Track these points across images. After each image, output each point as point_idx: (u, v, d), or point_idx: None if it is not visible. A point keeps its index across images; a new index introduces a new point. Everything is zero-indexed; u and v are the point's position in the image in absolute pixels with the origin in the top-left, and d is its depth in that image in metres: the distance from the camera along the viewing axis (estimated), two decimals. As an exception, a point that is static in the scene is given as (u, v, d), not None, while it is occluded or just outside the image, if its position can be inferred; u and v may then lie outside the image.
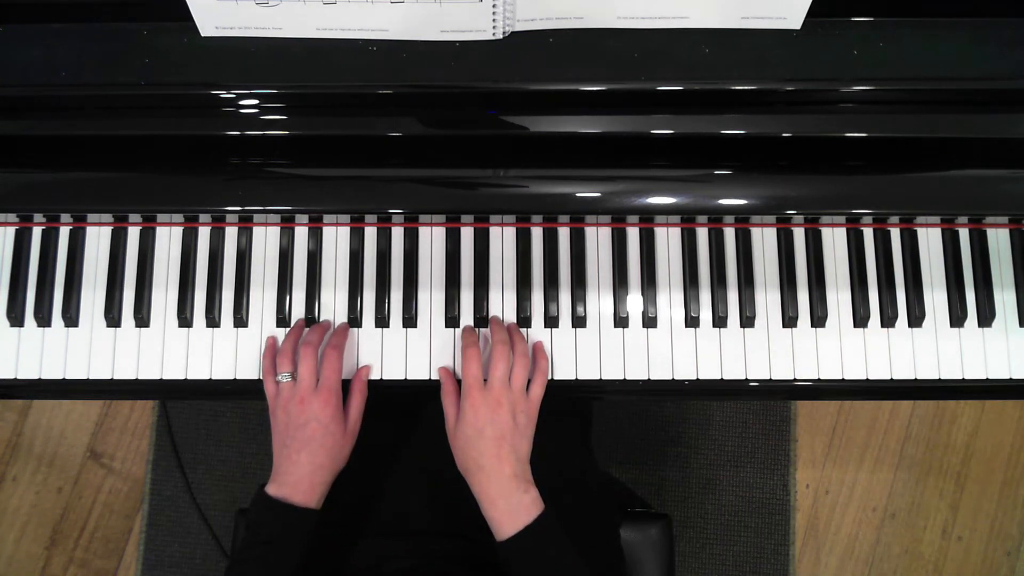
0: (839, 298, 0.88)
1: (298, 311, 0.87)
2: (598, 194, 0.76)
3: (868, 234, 0.89)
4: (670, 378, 0.87)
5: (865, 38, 0.71)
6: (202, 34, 0.70)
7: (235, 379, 0.87)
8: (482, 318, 0.87)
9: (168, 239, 0.89)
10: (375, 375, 0.87)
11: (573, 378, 0.87)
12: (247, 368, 0.87)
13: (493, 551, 0.84)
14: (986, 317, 0.88)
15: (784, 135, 0.73)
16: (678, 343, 0.87)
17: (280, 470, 0.78)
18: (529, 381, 0.82)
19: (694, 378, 0.87)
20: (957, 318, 0.88)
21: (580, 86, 0.70)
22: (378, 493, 0.93)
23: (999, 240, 0.89)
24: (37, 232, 0.89)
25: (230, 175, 0.76)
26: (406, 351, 0.87)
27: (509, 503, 0.75)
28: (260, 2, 0.67)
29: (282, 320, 0.87)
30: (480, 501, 0.77)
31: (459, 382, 0.83)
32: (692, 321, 0.87)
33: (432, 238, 0.89)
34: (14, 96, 0.73)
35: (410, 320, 0.87)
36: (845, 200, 0.77)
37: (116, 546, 1.63)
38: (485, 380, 0.79)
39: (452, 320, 0.87)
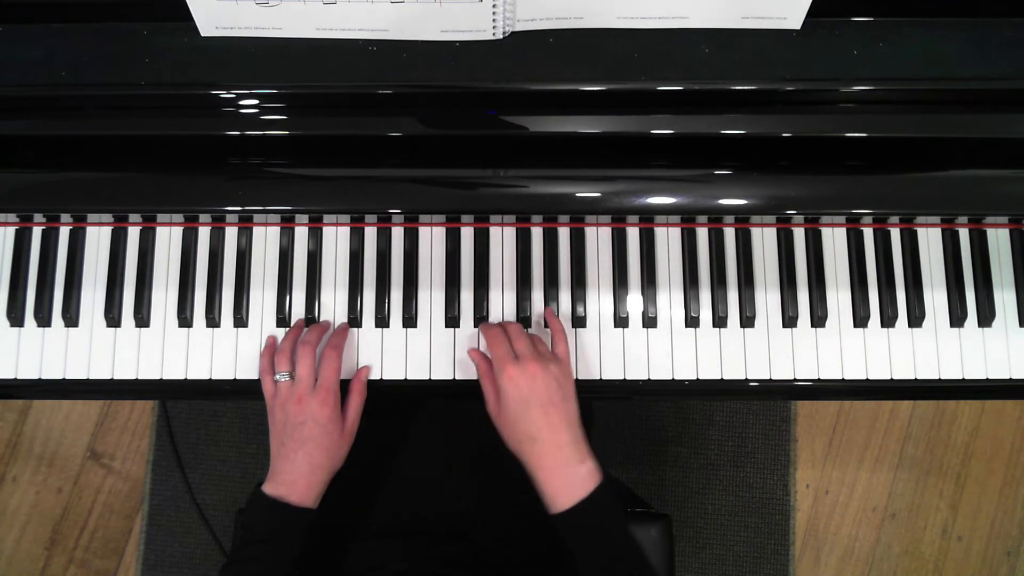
0: (839, 298, 0.88)
1: (298, 311, 0.87)
2: (598, 194, 0.76)
3: (868, 234, 0.89)
4: (670, 378, 0.87)
5: (865, 38, 0.71)
6: (202, 34, 0.70)
7: (235, 379, 0.87)
8: (482, 318, 0.87)
9: (168, 239, 0.89)
10: (375, 375, 0.86)
11: (573, 378, 0.86)
12: (247, 368, 0.87)
13: (494, 554, 0.84)
14: (986, 317, 0.88)
15: (784, 135, 0.73)
16: (678, 343, 0.87)
17: (277, 469, 0.78)
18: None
19: (694, 378, 0.87)
20: (957, 318, 0.88)
21: (580, 86, 0.70)
22: (377, 494, 0.93)
23: (999, 240, 0.89)
24: (37, 232, 0.89)
25: (230, 175, 0.76)
26: (406, 351, 0.87)
27: (566, 474, 0.72)
28: (260, 2, 0.67)
29: (282, 320, 0.87)
30: (534, 474, 0.74)
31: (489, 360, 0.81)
32: (692, 321, 0.87)
33: (432, 238, 0.89)
34: (14, 96, 0.73)
35: (410, 320, 0.87)
36: (845, 200, 0.77)
37: (116, 546, 1.63)
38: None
39: (452, 320, 0.87)
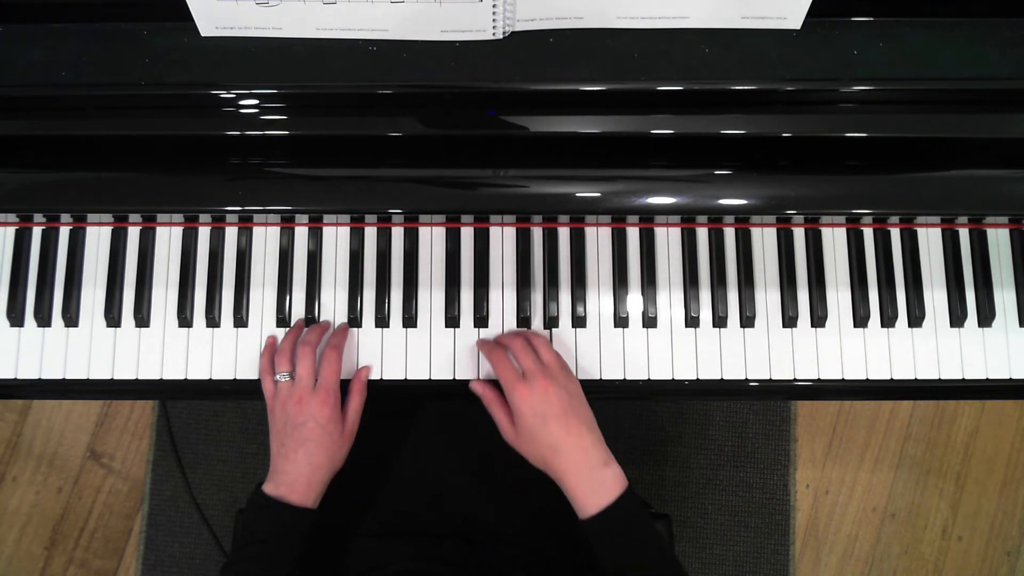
0: (839, 298, 0.88)
1: (298, 311, 0.87)
2: (598, 194, 0.76)
3: (868, 234, 0.89)
4: (670, 378, 0.87)
5: (865, 38, 0.71)
6: (202, 34, 0.70)
7: (235, 379, 0.87)
8: (482, 318, 0.87)
9: (168, 239, 0.89)
10: (375, 375, 0.86)
11: (577, 379, 0.86)
12: (247, 368, 0.87)
13: (494, 554, 0.84)
14: (986, 317, 0.88)
15: (784, 135, 0.73)
16: (678, 343, 0.87)
17: (277, 469, 0.78)
18: None
19: (694, 378, 0.87)
20: (957, 318, 0.88)
21: (580, 86, 0.70)
22: (378, 494, 0.93)
23: (999, 240, 0.89)
24: (37, 232, 0.89)
25: (230, 175, 0.76)
26: (406, 351, 0.87)
27: (592, 479, 0.74)
28: (260, 2, 0.67)
29: (282, 320, 0.87)
30: (562, 482, 0.75)
31: (493, 386, 0.82)
32: (692, 321, 0.87)
33: (432, 238, 0.89)
34: (14, 96, 0.73)
35: (410, 320, 0.87)
36: (845, 200, 0.77)
37: (116, 546, 1.63)
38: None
39: (452, 320, 0.87)
